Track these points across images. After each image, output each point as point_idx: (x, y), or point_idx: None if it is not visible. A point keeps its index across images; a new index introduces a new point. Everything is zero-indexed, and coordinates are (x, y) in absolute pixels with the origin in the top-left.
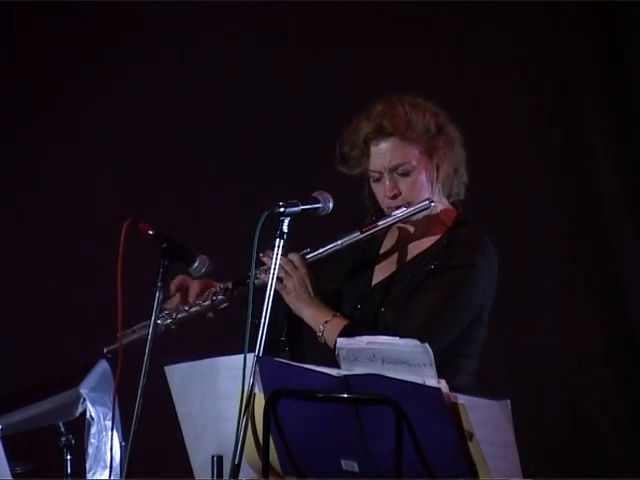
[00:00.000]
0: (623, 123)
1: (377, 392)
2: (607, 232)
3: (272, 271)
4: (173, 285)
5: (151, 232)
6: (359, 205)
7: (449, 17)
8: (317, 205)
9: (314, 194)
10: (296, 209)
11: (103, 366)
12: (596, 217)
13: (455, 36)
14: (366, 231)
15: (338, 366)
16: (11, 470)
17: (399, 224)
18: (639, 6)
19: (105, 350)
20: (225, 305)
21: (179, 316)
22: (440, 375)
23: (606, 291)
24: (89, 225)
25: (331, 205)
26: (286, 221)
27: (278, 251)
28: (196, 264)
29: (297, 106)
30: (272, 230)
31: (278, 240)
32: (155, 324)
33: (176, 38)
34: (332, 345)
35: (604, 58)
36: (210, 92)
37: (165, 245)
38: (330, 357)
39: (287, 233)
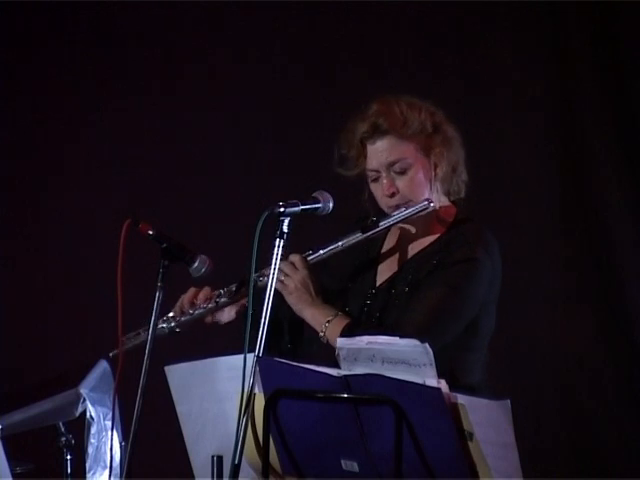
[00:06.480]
0: (623, 123)
1: (377, 392)
2: (607, 232)
3: (272, 270)
4: (186, 298)
5: (151, 232)
6: (359, 205)
7: (448, 17)
8: (317, 205)
9: (314, 194)
10: (296, 209)
11: (103, 366)
12: (596, 217)
13: (454, 36)
14: (368, 231)
15: (339, 366)
16: (11, 470)
17: (399, 224)
18: (639, 6)
19: (110, 355)
20: (229, 318)
21: (183, 319)
22: (453, 373)
23: (606, 291)
24: (89, 225)
25: (331, 205)
26: (286, 221)
27: (278, 251)
28: (196, 264)
29: (297, 106)
30: (272, 230)
31: (278, 240)
32: (155, 324)
33: (176, 39)
34: (335, 344)
35: (604, 58)
36: (210, 91)
37: (165, 245)
38: (333, 358)
39: (287, 233)
